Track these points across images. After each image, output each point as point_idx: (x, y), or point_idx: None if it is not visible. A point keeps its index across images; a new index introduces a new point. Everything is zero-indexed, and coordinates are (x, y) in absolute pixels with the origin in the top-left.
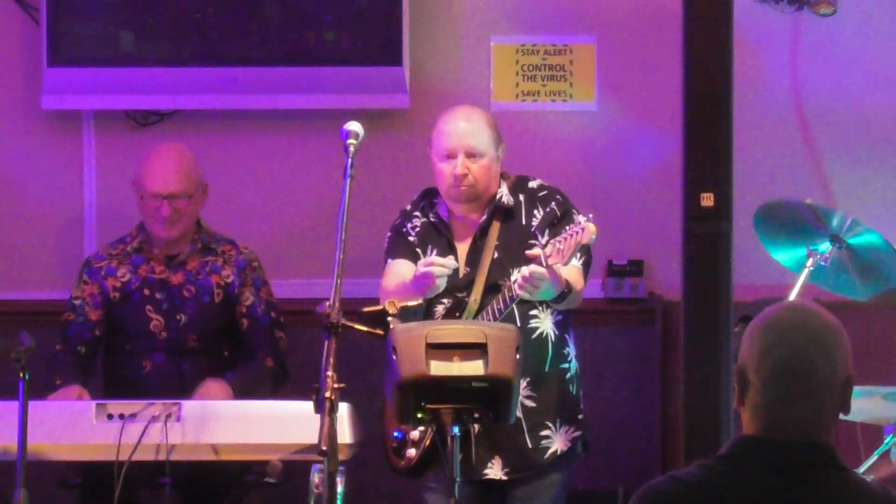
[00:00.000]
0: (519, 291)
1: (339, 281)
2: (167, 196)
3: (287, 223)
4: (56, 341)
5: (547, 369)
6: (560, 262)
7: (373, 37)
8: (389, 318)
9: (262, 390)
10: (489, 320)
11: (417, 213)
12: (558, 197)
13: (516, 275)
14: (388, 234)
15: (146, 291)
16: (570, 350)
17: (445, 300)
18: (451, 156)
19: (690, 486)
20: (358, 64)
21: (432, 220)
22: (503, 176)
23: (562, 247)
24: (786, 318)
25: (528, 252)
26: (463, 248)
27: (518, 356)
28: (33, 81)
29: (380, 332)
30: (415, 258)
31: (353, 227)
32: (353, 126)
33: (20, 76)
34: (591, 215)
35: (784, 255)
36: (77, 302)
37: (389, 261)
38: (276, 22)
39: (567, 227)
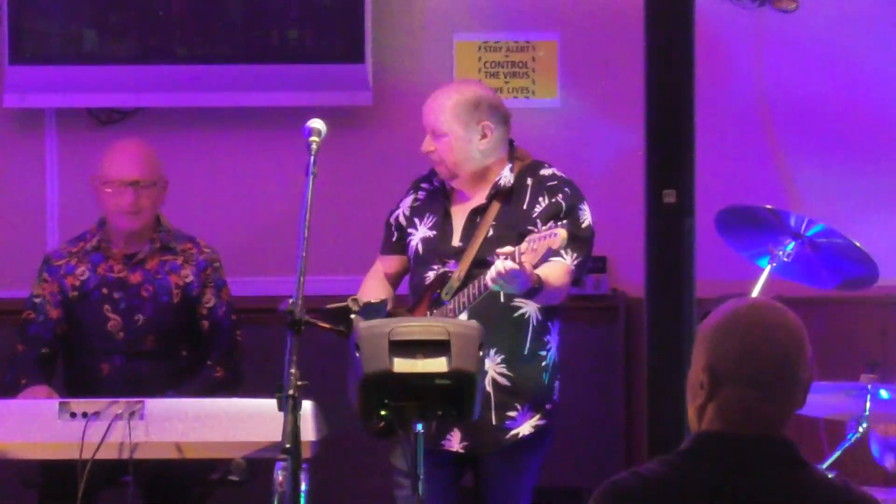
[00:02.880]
0: (490, 284)
1: (302, 278)
2: (131, 182)
3: (250, 221)
4: (17, 340)
5: (525, 352)
6: (532, 261)
7: (336, 34)
8: (352, 316)
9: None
10: (462, 304)
11: (426, 184)
12: (567, 189)
13: (492, 267)
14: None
15: (104, 290)
16: (552, 339)
17: (435, 266)
18: (428, 133)
19: (652, 482)
20: (321, 61)
21: (436, 185)
22: (516, 157)
23: (535, 247)
24: (766, 317)
25: (498, 250)
26: (459, 220)
27: (481, 353)
28: None
29: (343, 329)
30: (398, 249)
31: (316, 225)
32: (316, 123)
33: None
34: (565, 221)
35: (747, 254)
36: (38, 300)
37: (379, 255)
38: (240, 19)
39: (543, 228)
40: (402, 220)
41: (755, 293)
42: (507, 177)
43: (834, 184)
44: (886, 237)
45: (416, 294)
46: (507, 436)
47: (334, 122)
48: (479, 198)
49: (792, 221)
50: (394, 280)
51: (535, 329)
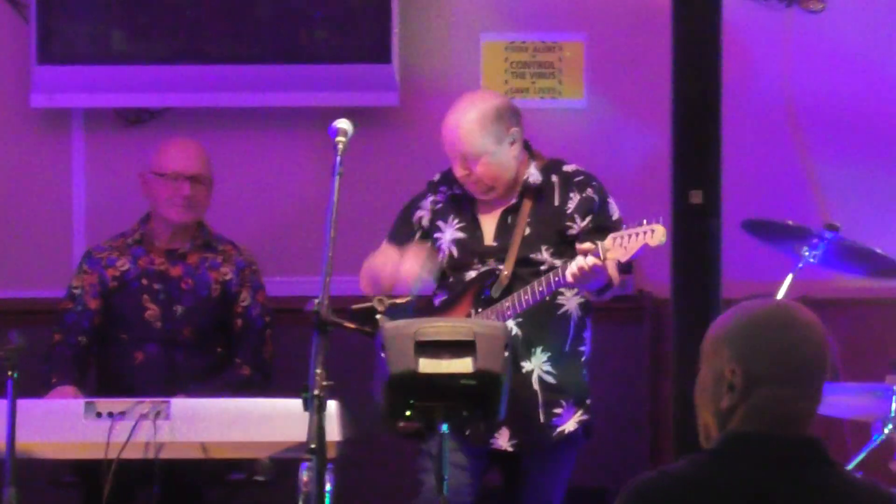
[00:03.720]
0: (570, 280)
1: (327, 279)
2: (190, 176)
3: (276, 221)
4: (55, 330)
5: (567, 349)
6: (622, 258)
7: (363, 34)
8: (378, 316)
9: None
10: (526, 302)
11: (444, 187)
12: (595, 183)
13: (571, 264)
14: (401, 212)
15: (144, 281)
16: (588, 335)
17: (476, 267)
18: (451, 156)
19: (680, 481)
20: (348, 61)
21: (456, 191)
22: (534, 157)
23: (626, 244)
24: (801, 317)
25: (580, 245)
26: (489, 220)
27: (507, 353)
28: (22, 79)
29: (368, 329)
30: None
31: (343, 225)
32: (342, 123)
33: (9, 74)
34: (661, 218)
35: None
36: (76, 291)
37: (385, 240)
38: (267, 20)
39: (631, 226)
40: (425, 221)
41: (781, 294)
42: (535, 175)
43: (860, 185)
44: None
45: (453, 293)
46: (555, 433)
47: (361, 123)
48: (506, 199)
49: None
50: None
51: (576, 326)
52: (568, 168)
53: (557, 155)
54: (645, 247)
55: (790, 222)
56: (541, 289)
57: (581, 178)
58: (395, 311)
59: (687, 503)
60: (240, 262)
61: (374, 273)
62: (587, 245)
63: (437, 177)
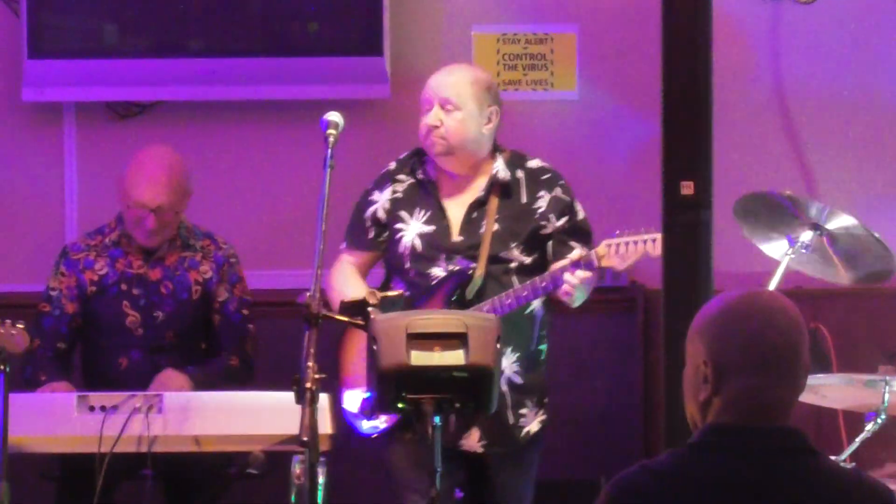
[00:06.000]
0: (565, 298)
1: (319, 272)
2: (154, 209)
3: (267, 214)
4: (33, 334)
5: (532, 348)
6: (618, 266)
7: (354, 27)
8: (370, 309)
9: (223, 387)
10: (509, 305)
11: (403, 175)
12: (562, 182)
13: (568, 277)
14: (354, 208)
15: (123, 286)
16: (548, 333)
17: (441, 263)
18: (428, 107)
19: (660, 475)
20: (339, 54)
21: (419, 177)
22: (498, 149)
23: (624, 252)
24: (765, 304)
25: (574, 255)
26: (455, 212)
27: (498, 345)
28: (14, 73)
29: (360, 322)
30: (373, 246)
31: (334, 218)
32: (333, 116)
33: (1, 69)
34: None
35: (765, 246)
36: (54, 293)
37: (343, 248)
38: (259, 12)
39: (626, 232)
40: (381, 214)
41: (773, 285)
42: (503, 170)
43: (852, 175)
44: None
45: (419, 290)
46: (522, 433)
47: (352, 115)
48: (472, 191)
49: (812, 211)
50: (364, 275)
51: (539, 325)
52: (532, 164)
53: (552, 147)
54: (646, 256)
55: (788, 192)
56: (525, 293)
57: (548, 175)
58: (386, 304)
59: (668, 497)
60: (219, 257)
61: (332, 298)
62: (579, 253)
63: (392, 165)
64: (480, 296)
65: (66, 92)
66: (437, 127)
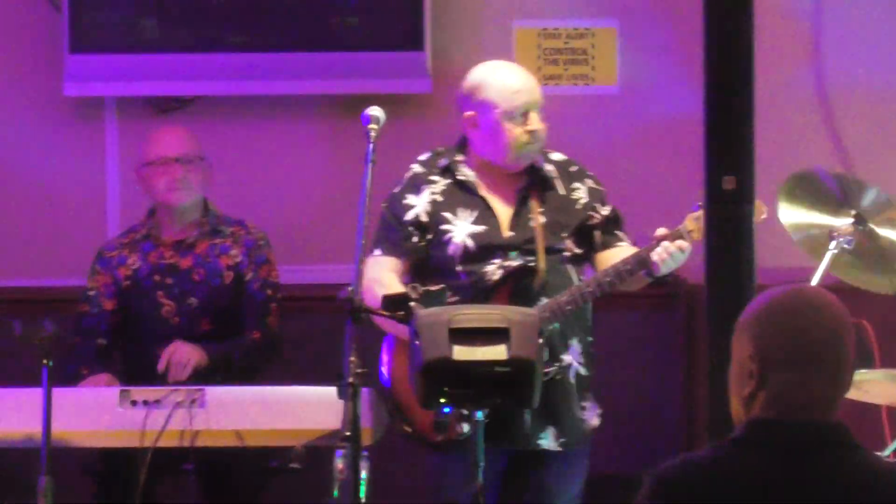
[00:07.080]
0: (659, 264)
1: (361, 266)
2: (177, 158)
3: (307, 209)
4: (72, 333)
5: (590, 339)
6: (698, 238)
7: (395, 21)
8: (412, 303)
9: (245, 361)
10: (587, 295)
11: (435, 177)
12: (589, 172)
13: (660, 250)
14: (381, 214)
15: (156, 277)
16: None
17: (496, 261)
18: (524, 113)
19: (702, 469)
20: (380, 49)
21: (459, 178)
22: None
23: (701, 225)
24: (810, 300)
25: (659, 232)
26: (502, 209)
27: (541, 340)
28: (55, 68)
29: (402, 316)
30: (414, 251)
31: (374, 213)
32: (375, 111)
33: (42, 63)
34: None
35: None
36: (91, 293)
37: (377, 253)
38: (299, 7)
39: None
40: (423, 218)
41: (815, 280)
42: (542, 162)
43: (894, 169)
44: None
45: (471, 290)
46: (589, 429)
47: (393, 110)
48: (510, 187)
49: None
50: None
51: (591, 316)
52: (556, 156)
53: (592, 141)
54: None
55: (839, 170)
56: (608, 279)
57: (576, 168)
58: (429, 299)
59: (709, 490)
60: (248, 241)
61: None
62: (661, 231)
63: (418, 168)
64: (545, 288)
65: (108, 87)
66: (543, 129)
